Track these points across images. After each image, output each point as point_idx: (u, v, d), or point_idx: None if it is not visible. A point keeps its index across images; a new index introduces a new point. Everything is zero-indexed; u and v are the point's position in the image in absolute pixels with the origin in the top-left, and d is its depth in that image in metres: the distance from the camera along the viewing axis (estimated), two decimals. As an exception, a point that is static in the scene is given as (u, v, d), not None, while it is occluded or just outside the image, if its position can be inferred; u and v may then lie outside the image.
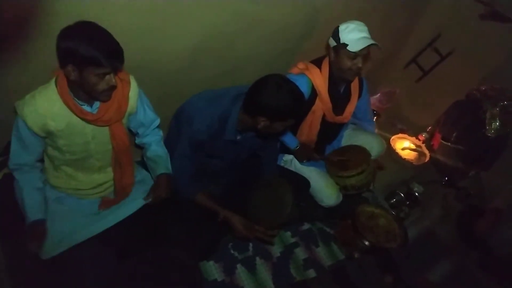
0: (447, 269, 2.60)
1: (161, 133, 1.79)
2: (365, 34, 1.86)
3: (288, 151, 2.23)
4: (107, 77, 1.29)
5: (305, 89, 1.96)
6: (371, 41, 1.84)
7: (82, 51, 1.20)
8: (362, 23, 1.89)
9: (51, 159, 1.51)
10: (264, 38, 2.05)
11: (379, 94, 3.32)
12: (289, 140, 2.16)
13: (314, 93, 2.03)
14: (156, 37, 1.68)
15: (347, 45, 1.85)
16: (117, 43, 1.27)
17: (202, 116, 1.60)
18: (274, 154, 2.13)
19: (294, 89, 1.52)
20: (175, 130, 1.76)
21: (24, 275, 1.43)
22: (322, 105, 2.07)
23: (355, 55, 1.86)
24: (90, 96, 1.36)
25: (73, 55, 1.21)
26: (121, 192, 1.65)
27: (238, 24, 1.86)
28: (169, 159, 1.73)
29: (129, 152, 1.61)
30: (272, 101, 1.48)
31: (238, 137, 1.73)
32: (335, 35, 1.88)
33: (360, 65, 1.91)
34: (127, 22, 1.53)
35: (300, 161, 2.24)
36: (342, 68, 1.95)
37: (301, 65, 2.05)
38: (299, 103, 1.53)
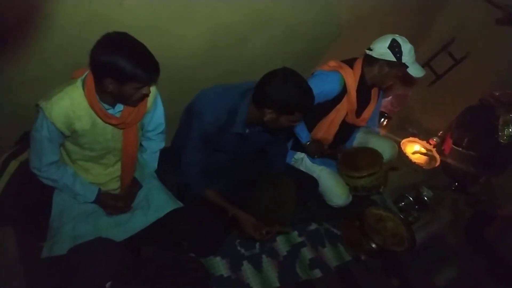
0: (454, 274, 2.59)
1: (162, 144, 1.79)
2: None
3: (299, 148, 2.23)
4: (144, 88, 1.34)
5: (336, 86, 2.00)
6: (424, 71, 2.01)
7: (128, 69, 1.23)
8: None
9: (68, 153, 1.52)
10: (277, 38, 2.05)
11: (391, 97, 3.31)
12: (303, 133, 2.16)
13: (343, 91, 2.04)
14: (171, 35, 1.70)
15: (407, 66, 1.92)
16: (154, 57, 1.31)
17: (211, 109, 1.61)
18: (283, 151, 2.12)
19: (301, 83, 1.53)
20: (185, 124, 1.78)
21: (37, 265, 1.45)
22: (348, 105, 2.08)
23: (400, 73, 1.97)
24: (121, 103, 1.41)
25: (116, 71, 1.24)
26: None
27: (251, 23, 1.87)
28: (150, 171, 1.76)
29: (135, 158, 1.65)
30: (278, 92, 1.49)
31: (247, 131, 1.73)
32: (396, 51, 1.89)
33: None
34: (142, 21, 1.55)
35: (312, 156, 2.24)
36: (383, 81, 2.05)
37: (332, 63, 2.07)
38: (305, 97, 1.53)
